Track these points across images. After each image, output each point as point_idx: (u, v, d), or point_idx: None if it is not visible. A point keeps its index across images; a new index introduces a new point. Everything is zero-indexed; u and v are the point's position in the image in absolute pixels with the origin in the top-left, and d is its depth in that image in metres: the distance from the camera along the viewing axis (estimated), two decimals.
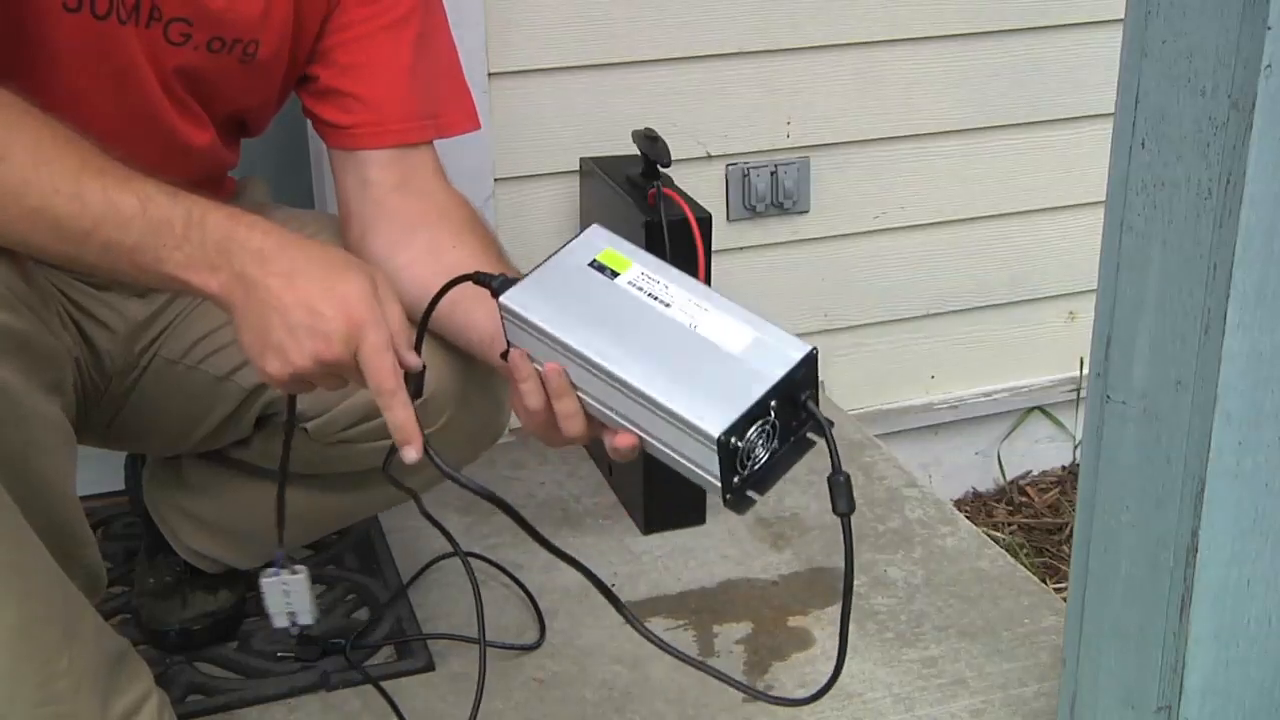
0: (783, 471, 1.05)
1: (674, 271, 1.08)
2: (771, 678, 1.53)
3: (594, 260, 1.08)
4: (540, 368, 1.08)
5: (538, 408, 1.09)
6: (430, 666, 1.53)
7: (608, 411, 1.07)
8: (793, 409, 1.03)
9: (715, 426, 0.99)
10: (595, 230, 1.11)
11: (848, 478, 1.02)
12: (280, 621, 1.44)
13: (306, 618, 1.44)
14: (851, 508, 1.03)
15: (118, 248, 1.07)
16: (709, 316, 1.05)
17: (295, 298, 1.08)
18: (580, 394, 1.07)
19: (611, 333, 1.04)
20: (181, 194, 1.10)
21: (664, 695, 1.48)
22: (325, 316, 1.08)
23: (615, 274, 1.08)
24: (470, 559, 1.67)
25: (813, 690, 1.49)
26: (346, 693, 1.49)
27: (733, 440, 0.99)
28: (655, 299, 1.06)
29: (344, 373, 1.10)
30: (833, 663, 1.54)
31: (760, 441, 1.02)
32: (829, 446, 1.02)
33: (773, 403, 1.01)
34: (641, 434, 1.05)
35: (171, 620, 1.55)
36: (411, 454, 1.09)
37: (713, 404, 1.00)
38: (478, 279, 1.11)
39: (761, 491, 1.03)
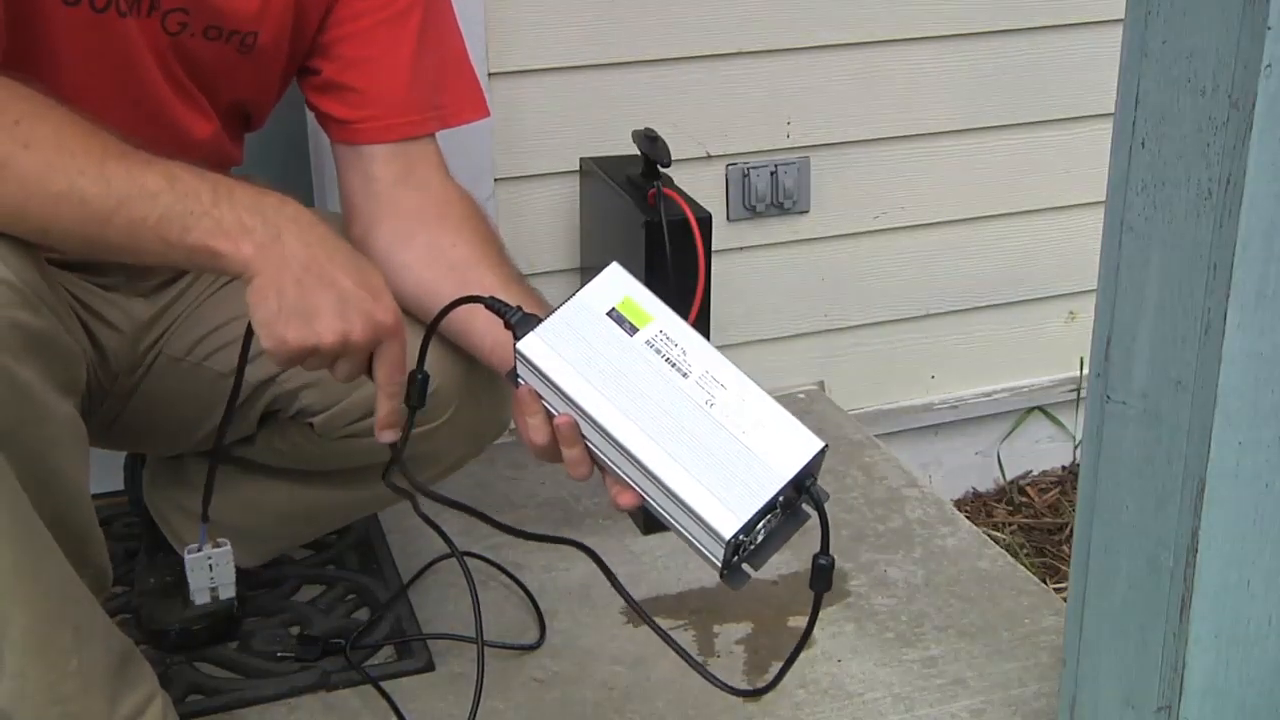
0: (778, 545, 1.06)
1: (691, 332, 1.08)
2: (771, 677, 1.53)
3: (613, 309, 1.07)
4: (552, 411, 1.08)
5: (543, 443, 1.10)
6: (430, 666, 1.53)
7: (616, 470, 1.07)
8: (795, 492, 1.05)
9: (728, 527, 1.01)
10: (615, 270, 1.09)
11: (832, 561, 1.05)
12: (202, 598, 1.50)
13: (229, 590, 1.50)
14: (827, 588, 1.06)
15: (143, 223, 1.07)
16: (725, 394, 1.05)
17: (342, 272, 1.09)
18: (589, 444, 1.08)
19: (629, 401, 1.04)
20: (205, 171, 1.11)
21: (664, 695, 1.48)
22: (381, 301, 1.10)
23: (634, 328, 1.07)
24: (470, 559, 1.67)
25: (811, 690, 1.50)
26: (346, 693, 1.49)
27: (740, 536, 1.01)
28: (673, 366, 1.06)
29: (348, 357, 1.11)
30: (833, 662, 1.55)
31: (762, 527, 1.04)
32: (823, 527, 1.04)
33: (781, 497, 1.03)
34: (647, 498, 1.07)
35: (171, 620, 1.55)
36: (389, 436, 1.15)
37: (726, 500, 1.01)
38: (491, 305, 1.11)
39: (756, 566, 1.05)
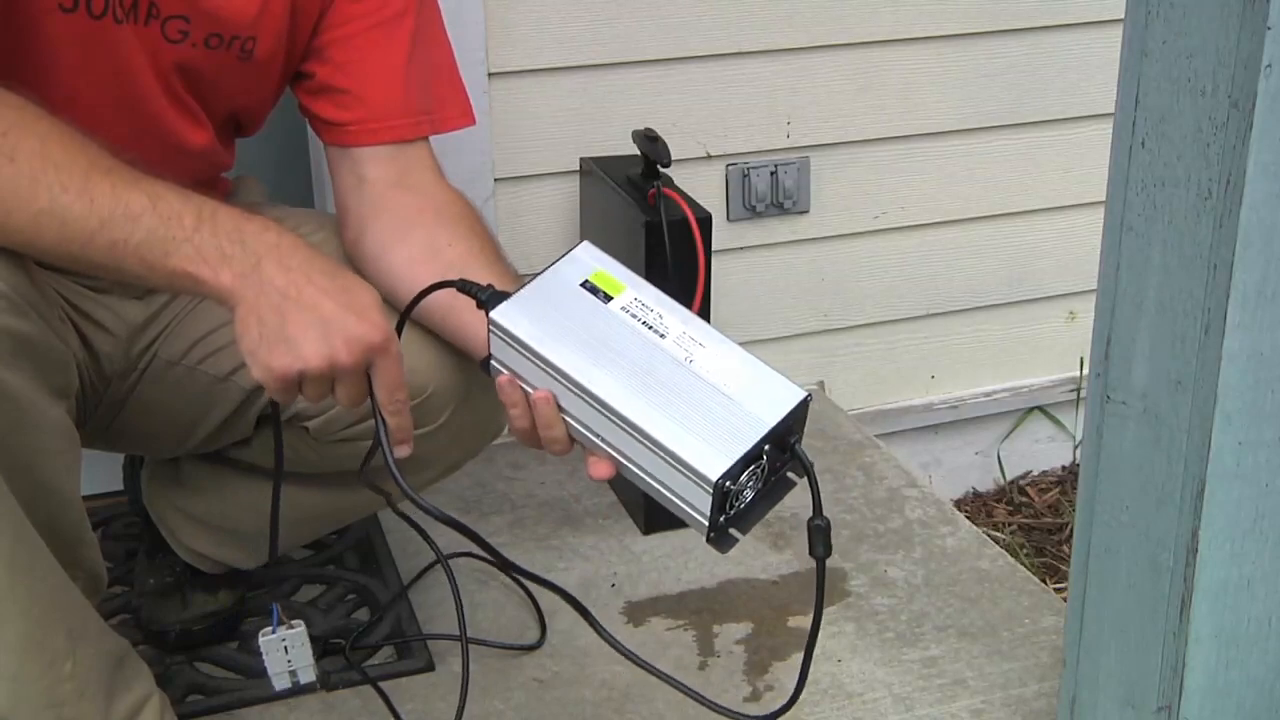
0: (764, 511, 1.05)
1: (667, 299, 1.07)
2: (772, 678, 1.53)
3: (586, 280, 1.07)
4: (530, 391, 1.07)
5: (524, 428, 1.10)
6: (430, 666, 1.53)
7: (593, 439, 1.06)
8: (780, 451, 1.04)
9: (714, 470, 0.99)
10: (586, 247, 1.09)
11: (828, 523, 1.04)
12: (282, 683, 1.44)
13: (309, 674, 1.44)
14: (828, 552, 1.05)
15: (124, 245, 1.07)
16: (704, 352, 1.04)
17: (323, 295, 1.08)
18: (566, 417, 1.07)
19: (606, 360, 1.03)
20: (191, 193, 1.10)
21: (664, 695, 1.48)
22: (367, 319, 1.09)
23: (609, 297, 1.06)
24: (471, 559, 1.68)
25: (811, 690, 1.50)
26: (346, 693, 1.49)
27: (727, 484, 1.00)
28: (650, 328, 1.05)
29: (344, 382, 1.10)
30: (833, 662, 1.55)
31: (749, 483, 1.03)
32: (812, 490, 1.03)
33: (766, 446, 1.02)
34: (627, 463, 1.05)
35: (171, 620, 1.55)
36: (405, 450, 1.14)
37: (710, 447, 1.00)
38: (462, 287, 1.10)
39: (743, 530, 1.04)
